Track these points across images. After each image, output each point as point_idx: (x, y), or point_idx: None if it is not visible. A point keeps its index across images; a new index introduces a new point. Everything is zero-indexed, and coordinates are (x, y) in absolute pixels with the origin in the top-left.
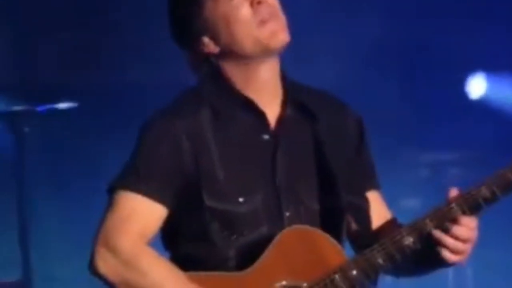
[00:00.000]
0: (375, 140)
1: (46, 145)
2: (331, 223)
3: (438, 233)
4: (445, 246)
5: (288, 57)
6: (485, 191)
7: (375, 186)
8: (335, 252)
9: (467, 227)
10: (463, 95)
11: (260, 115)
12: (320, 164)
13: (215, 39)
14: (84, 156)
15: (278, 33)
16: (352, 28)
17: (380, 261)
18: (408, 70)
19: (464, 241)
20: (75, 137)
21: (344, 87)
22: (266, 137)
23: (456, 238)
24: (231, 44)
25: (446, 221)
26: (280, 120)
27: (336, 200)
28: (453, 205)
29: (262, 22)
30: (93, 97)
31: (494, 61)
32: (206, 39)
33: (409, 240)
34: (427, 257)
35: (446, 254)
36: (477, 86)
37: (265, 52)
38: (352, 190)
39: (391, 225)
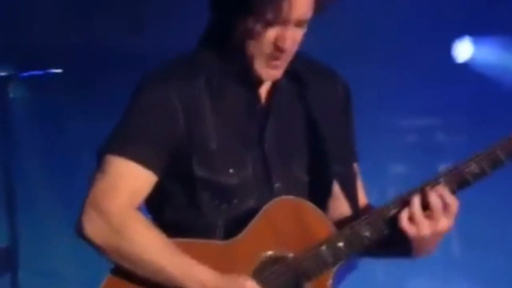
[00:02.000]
0: (360, 107)
1: (32, 111)
2: (320, 194)
3: (439, 182)
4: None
5: None
6: (474, 167)
7: (356, 159)
8: (323, 224)
9: (441, 198)
10: (449, 58)
11: (253, 85)
12: (310, 134)
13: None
14: (70, 123)
15: (274, 71)
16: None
17: (367, 234)
18: (394, 35)
19: (428, 213)
20: (60, 103)
21: (327, 53)
22: (258, 107)
23: (424, 207)
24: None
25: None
26: (271, 90)
27: (325, 171)
28: (441, 179)
29: (269, 60)
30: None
31: (480, 25)
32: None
33: (394, 212)
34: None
35: (403, 222)
36: (463, 50)
37: (256, 77)
38: (340, 161)
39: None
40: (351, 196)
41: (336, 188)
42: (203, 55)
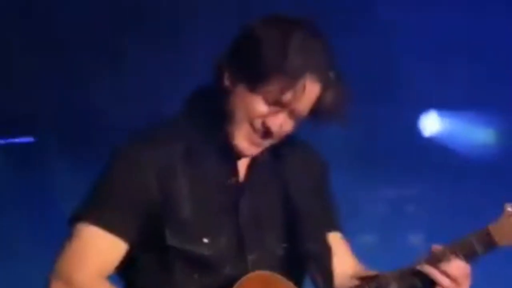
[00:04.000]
0: (333, 179)
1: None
2: (294, 269)
3: (428, 268)
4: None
5: None
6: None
7: (336, 227)
8: None
9: (457, 266)
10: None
11: (232, 159)
12: (285, 208)
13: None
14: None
15: (254, 148)
16: None
17: None
18: (364, 106)
19: (453, 279)
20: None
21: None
22: (233, 181)
23: (446, 274)
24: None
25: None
26: (251, 162)
27: (299, 247)
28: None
29: (252, 136)
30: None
31: (447, 99)
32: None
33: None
34: None
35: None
36: (430, 124)
37: (235, 150)
38: (314, 237)
39: (355, 270)
40: (325, 274)
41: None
42: (188, 121)
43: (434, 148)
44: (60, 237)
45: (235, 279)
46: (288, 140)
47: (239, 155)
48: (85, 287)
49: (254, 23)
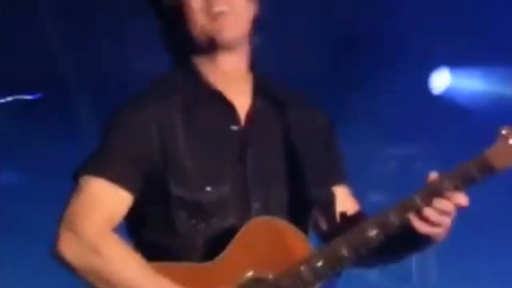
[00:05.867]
0: (340, 136)
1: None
2: (298, 215)
3: (415, 200)
4: (419, 215)
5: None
6: (448, 184)
7: (343, 181)
8: (301, 244)
9: (448, 198)
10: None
11: (228, 106)
12: (290, 156)
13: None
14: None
15: (225, 29)
16: (318, 24)
17: (344, 253)
18: (372, 66)
19: (442, 212)
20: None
21: (310, 84)
22: (235, 128)
23: (435, 208)
24: (190, 33)
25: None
26: (250, 111)
27: (303, 193)
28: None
29: (212, 17)
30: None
31: (458, 56)
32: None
33: (372, 232)
34: (396, 244)
35: (420, 226)
36: (440, 81)
37: (212, 45)
38: (319, 184)
39: (358, 219)
40: (330, 218)
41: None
42: (179, 73)
43: (444, 104)
44: None
45: (240, 228)
46: (287, 90)
47: (220, 44)
48: (93, 237)
49: None
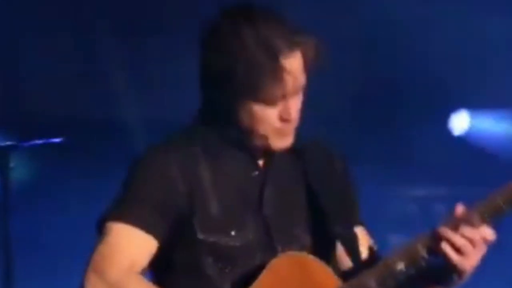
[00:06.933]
0: (363, 177)
1: (31, 180)
2: (322, 254)
3: (444, 230)
4: (450, 245)
5: None
6: (475, 215)
7: (361, 223)
8: (328, 277)
9: (476, 228)
10: (446, 131)
11: (250, 153)
12: (309, 198)
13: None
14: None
15: (286, 141)
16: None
17: (372, 285)
18: (392, 107)
19: (471, 241)
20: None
21: (332, 125)
22: (256, 173)
23: (463, 236)
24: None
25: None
26: (269, 155)
27: (326, 232)
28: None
29: (279, 134)
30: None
31: (476, 98)
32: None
33: (401, 265)
34: (422, 279)
35: (451, 254)
36: (460, 122)
37: (266, 148)
38: (341, 222)
39: (378, 258)
40: (354, 255)
41: (339, 250)
42: (200, 128)
43: (464, 147)
44: None
45: (267, 265)
46: (302, 136)
47: (260, 151)
48: (117, 278)
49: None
